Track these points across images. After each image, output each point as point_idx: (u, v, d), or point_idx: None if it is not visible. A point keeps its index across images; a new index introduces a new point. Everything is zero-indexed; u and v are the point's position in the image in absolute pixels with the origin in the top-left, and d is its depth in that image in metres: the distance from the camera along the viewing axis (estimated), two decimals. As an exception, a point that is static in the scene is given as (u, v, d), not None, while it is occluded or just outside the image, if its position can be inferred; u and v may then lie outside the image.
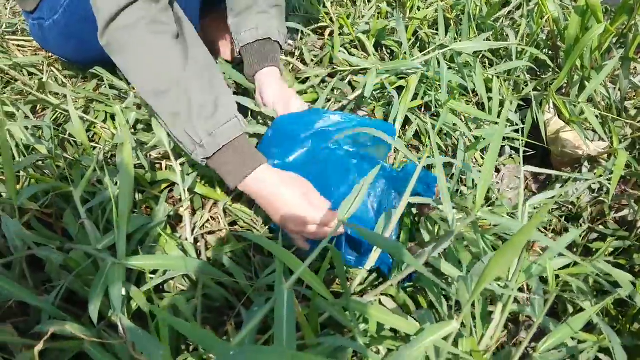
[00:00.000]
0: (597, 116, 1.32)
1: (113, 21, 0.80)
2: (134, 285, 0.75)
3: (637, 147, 1.41)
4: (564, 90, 1.47)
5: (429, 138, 1.26)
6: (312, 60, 1.42)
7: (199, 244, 0.95)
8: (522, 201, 0.84)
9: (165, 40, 0.82)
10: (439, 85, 1.30)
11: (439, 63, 1.25)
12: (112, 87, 1.21)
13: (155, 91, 0.83)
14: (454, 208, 1.10)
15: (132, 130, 1.10)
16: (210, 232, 0.99)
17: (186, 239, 0.91)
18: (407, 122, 1.26)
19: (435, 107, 1.26)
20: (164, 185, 1.05)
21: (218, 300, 0.85)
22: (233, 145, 0.86)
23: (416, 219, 1.04)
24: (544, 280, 0.97)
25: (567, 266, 0.96)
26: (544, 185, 1.43)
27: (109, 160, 1.06)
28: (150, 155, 1.08)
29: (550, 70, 1.51)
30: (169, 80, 0.82)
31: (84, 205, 0.80)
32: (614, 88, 1.46)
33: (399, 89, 1.23)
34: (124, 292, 0.71)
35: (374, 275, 0.98)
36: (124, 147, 0.75)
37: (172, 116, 0.84)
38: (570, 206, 1.33)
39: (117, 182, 0.91)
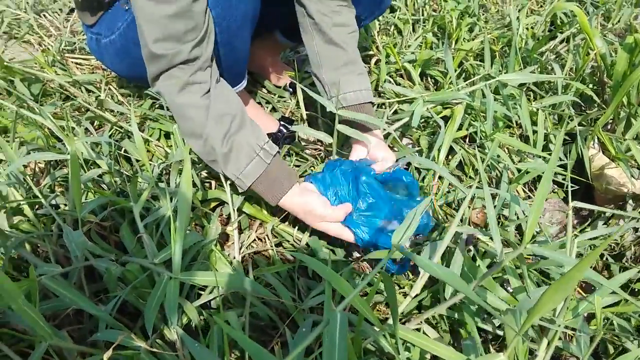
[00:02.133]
0: (643, 154, 1.31)
1: (156, 80, 0.93)
2: (185, 300, 0.78)
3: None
4: (609, 127, 1.47)
5: (473, 169, 1.27)
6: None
7: (245, 263, 0.97)
8: (570, 236, 0.85)
9: (193, 99, 0.93)
10: (484, 116, 1.31)
11: (484, 94, 1.27)
12: (166, 107, 1.26)
13: (189, 137, 0.96)
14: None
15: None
16: (257, 252, 1.02)
17: (234, 258, 0.94)
18: (451, 152, 1.27)
19: (480, 138, 1.27)
20: (213, 204, 1.08)
21: (263, 319, 0.87)
22: (260, 179, 0.97)
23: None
24: (587, 319, 0.96)
25: (610, 305, 0.96)
26: (585, 222, 1.41)
27: (162, 178, 1.10)
28: (200, 174, 1.12)
29: (596, 105, 1.50)
30: (197, 132, 0.94)
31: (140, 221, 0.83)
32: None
33: (444, 119, 1.25)
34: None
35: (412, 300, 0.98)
36: (184, 165, 0.78)
37: (209, 161, 0.98)
38: (612, 244, 1.31)
39: (171, 199, 0.94)
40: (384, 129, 1.26)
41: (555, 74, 1.46)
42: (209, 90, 0.94)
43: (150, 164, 1.11)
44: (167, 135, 1.23)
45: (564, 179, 1.34)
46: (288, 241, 1.05)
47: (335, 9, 1.11)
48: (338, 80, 1.13)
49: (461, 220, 1.08)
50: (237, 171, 0.96)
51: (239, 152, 0.95)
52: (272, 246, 1.02)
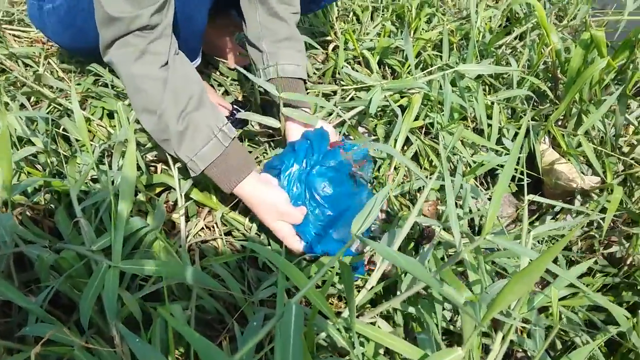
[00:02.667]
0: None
1: (109, 48, 0.87)
2: (125, 290, 0.72)
3: (629, 184, 1.42)
4: (560, 123, 1.48)
5: (428, 160, 1.26)
6: (314, 73, 1.41)
7: (192, 252, 0.92)
8: (525, 229, 0.84)
9: (150, 70, 0.87)
10: (440, 107, 1.30)
11: (440, 86, 1.25)
12: (110, 86, 1.18)
13: (142, 112, 0.90)
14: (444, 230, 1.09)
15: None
16: (204, 241, 0.97)
17: (180, 247, 0.88)
18: (406, 142, 1.25)
19: (436, 129, 1.25)
20: (158, 189, 1.02)
21: (210, 313, 0.82)
22: (216, 162, 0.92)
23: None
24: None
25: (562, 299, 0.96)
26: (534, 216, 1.43)
27: (103, 160, 1.03)
28: (146, 157, 1.06)
29: (549, 101, 1.52)
30: (151, 107, 0.88)
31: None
32: (609, 124, 1.47)
33: (401, 108, 1.22)
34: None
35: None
36: (128, 145, 0.72)
37: (161, 140, 0.91)
38: (559, 239, 1.33)
39: (113, 182, 0.88)
40: (339, 116, 1.23)
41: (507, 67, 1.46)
42: (166, 63, 0.88)
43: (91, 145, 1.03)
44: (111, 115, 1.15)
45: (515, 173, 1.34)
46: (238, 230, 1.01)
47: None
48: (277, 51, 1.10)
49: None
50: (191, 152, 0.90)
51: (195, 132, 0.90)
52: (220, 235, 0.96)
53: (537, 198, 0.94)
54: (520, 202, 1.45)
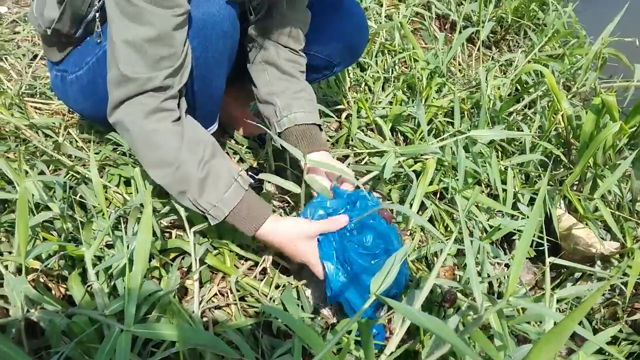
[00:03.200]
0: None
1: (117, 107, 0.88)
2: (137, 356, 0.70)
3: (650, 248, 1.39)
4: (575, 187, 1.48)
5: (443, 225, 1.25)
6: (328, 141, 1.43)
7: (205, 318, 0.90)
8: (548, 291, 0.81)
9: (164, 125, 0.88)
10: (454, 172, 1.30)
11: (453, 152, 1.26)
12: (128, 154, 1.20)
13: (157, 167, 0.90)
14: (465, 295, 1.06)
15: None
16: (218, 307, 0.95)
17: (193, 312, 0.86)
18: (421, 207, 1.25)
19: (451, 194, 1.25)
20: (172, 254, 1.01)
21: (223, 380, 0.79)
22: (239, 207, 0.92)
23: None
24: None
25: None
26: (554, 283, 1.39)
27: (119, 226, 1.03)
28: (161, 223, 1.06)
29: (562, 166, 1.52)
30: (168, 160, 0.88)
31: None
32: (625, 188, 1.46)
33: (415, 174, 1.23)
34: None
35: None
36: (144, 208, 0.72)
37: (177, 192, 0.91)
38: (576, 304, 1.28)
39: (128, 246, 0.87)
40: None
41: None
42: (179, 118, 0.90)
43: (107, 211, 1.04)
44: (128, 182, 1.17)
45: (532, 238, 1.32)
46: (252, 295, 0.98)
47: (288, 51, 1.14)
48: (290, 103, 1.12)
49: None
50: (215, 199, 0.90)
51: (217, 178, 0.90)
52: (235, 300, 0.94)
53: (558, 261, 0.92)
54: (539, 269, 1.42)
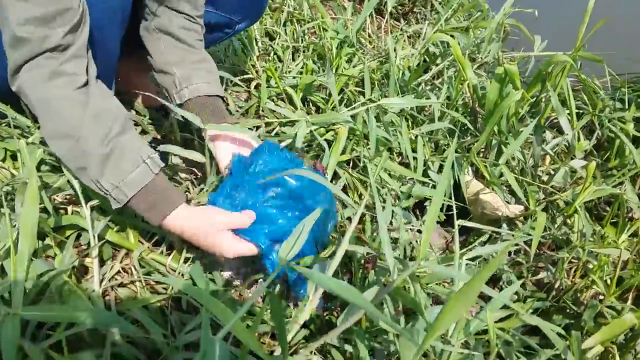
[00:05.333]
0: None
1: (17, 72, 0.79)
2: (28, 341, 0.62)
3: (550, 211, 1.46)
4: (481, 154, 1.52)
5: (357, 193, 1.24)
6: (237, 111, 1.37)
7: (107, 297, 0.83)
8: (457, 253, 0.82)
9: (64, 91, 0.80)
10: (366, 141, 1.29)
11: (364, 121, 1.25)
12: (13, 126, 1.08)
13: (55, 137, 0.82)
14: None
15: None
16: (122, 285, 0.88)
17: (93, 291, 0.79)
18: (335, 176, 1.23)
19: (363, 162, 1.24)
20: (68, 232, 0.92)
21: (127, 362, 0.73)
22: (145, 191, 0.84)
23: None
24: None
25: (496, 322, 0.94)
26: (462, 246, 1.43)
27: (3, 205, 0.92)
28: (54, 199, 0.96)
29: (469, 134, 1.56)
30: (66, 131, 0.80)
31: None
32: (527, 154, 1.53)
33: (327, 143, 1.20)
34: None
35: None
36: (29, 182, 0.64)
37: (77, 168, 0.83)
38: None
39: (15, 225, 0.78)
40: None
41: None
42: (85, 84, 0.81)
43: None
44: (14, 157, 1.05)
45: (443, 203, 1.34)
46: (158, 271, 0.92)
47: (183, 19, 1.06)
48: (190, 74, 1.05)
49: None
50: (117, 179, 0.81)
51: (122, 156, 0.82)
52: (139, 277, 0.88)
53: (466, 223, 0.93)
54: (450, 234, 1.46)
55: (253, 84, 1.46)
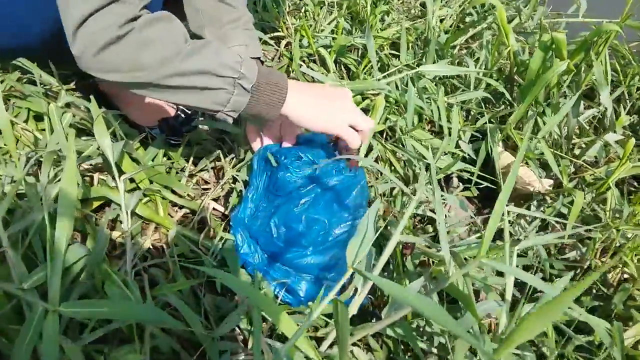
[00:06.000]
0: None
1: (82, 26, 0.68)
2: (66, 338, 0.60)
3: (580, 186, 1.42)
4: (514, 125, 1.46)
5: (390, 165, 1.20)
6: (265, 71, 1.30)
7: (138, 278, 0.80)
8: (508, 246, 0.79)
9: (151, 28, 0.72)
10: (399, 109, 1.24)
11: (397, 86, 1.19)
12: (39, 83, 1.02)
13: (163, 67, 0.73)
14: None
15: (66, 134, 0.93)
16: (152, 265, 0.85)
17: (126, 272, 0.76)
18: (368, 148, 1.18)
19: (399, 133, 1.19)
20: (95, 204, 0.89)
21: (164, 353, 0.71)
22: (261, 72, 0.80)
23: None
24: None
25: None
26: (486, 220, 1.40)
27: (30, 171, 0.88)
28: (80, 166, 0.92)
29: (502, 102, 1.50)
30: (172, 51, 0.73)
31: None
32: (561, 125, 1.47)
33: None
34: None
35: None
36: (68, 160, 0.60)
37: (198, 75, 0.74)
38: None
39: (41, 199, 0.75)
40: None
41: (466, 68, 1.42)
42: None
43: (17, 153, 0.89)
44: (38, 117, 1.01)
45: (471, 176, 1.29)
46: (191, 250, 0.89)
47: None
48: (224, 35, 1.00)
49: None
50: (235, 58, 0.77)
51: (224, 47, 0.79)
52: (172, 256, 0.85)
53: (515, 209, 0.90)
54: (474, 206, 1.42)
55: (283, 42, 1.38)
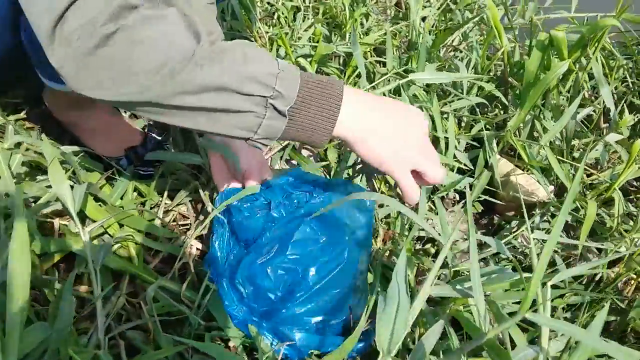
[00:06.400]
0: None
1: (61, 21, 0.50)
2: None
3: (581, 191, 1.34)
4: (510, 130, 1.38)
5: (385, 183, 1.09)
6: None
7: (114, 348, 0.67)
8: (548, 302, 0.68)
9: (150, 24, 0.54)
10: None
11: (384, 94, 1.09)
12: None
13: (163, 78, 0.54)
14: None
15: (15, 181, 0.78)
16: (128, 323, 0.71)
17: (100, 348, 0.63)
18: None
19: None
20: (57, 257, 0.75)
21: None
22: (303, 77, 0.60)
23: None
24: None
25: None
26: (488, 231, 1.31)
27: None
28: (36, 215, 0.78)
29: (496, 107, 1.41)
30: (184, 58, 0.54)
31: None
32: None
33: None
34: None
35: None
36: (16, 227, 0.47)
37: (215, 92, 0.56)
38: (520, 256, 1.21)
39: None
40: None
41: (459, 73, 1.32)
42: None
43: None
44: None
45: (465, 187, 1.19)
46: (172, 303, 0.76)
47: None
48: None
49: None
50: (274, 67, 0.57)
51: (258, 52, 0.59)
52: (152, 315, 0.72)
53: (545, 236, 0.79)
54: (476, 216, 1.32)
55: (258, 53, 1.26)
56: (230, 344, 0.78)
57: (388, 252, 1.00)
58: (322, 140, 0.62)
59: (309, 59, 1.19)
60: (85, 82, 0.54)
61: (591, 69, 1.27)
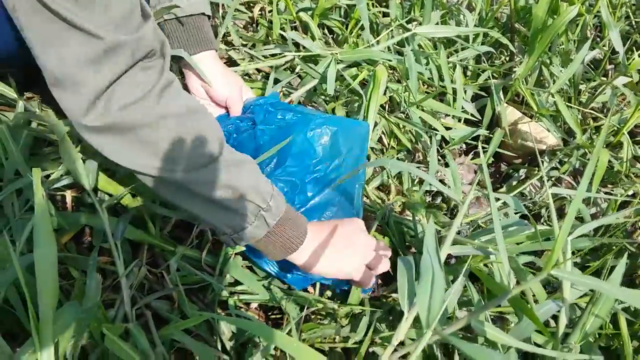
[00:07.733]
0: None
1: (99, 99, 0.53)
2: None
3: (590, 137, 1.33)
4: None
5: (395, 138, 1.08)
6: (242, 45, 1.15)
7: (143, 318, 0.68)
8: (570, 265, 0.68)
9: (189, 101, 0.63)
10: (394, 73, 1.11)
11: (388, 48, 1.06)
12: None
13: (192, 168, 0.61)
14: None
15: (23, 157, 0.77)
16: (154, 294, 0.72)
17: (128, 321, 0.63)
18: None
19: (402, 104, 1.06)
20: (73, 232, 0.75)
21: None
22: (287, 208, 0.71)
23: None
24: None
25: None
26: (496, 180, 1.30)
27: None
28: (47, 189, 0.78)
29: (502, 54, 1.38)
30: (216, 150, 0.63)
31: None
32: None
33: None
34: None
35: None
36: (36, 210, 0.47)
37: (223, 189, 0.63)
38: (529, 204, 1.21)
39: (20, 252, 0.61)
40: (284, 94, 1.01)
41: (465, 20, 1.29)
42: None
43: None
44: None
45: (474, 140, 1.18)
46: (193, 270, 0.76)
47: None
48: None
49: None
50: (272, 188, 0.68)
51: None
52: (175, 284, 0.72)
53: (559, 189, 0.79)
54: (478, 166, 1.31)
55: (257, 8, 1.22)
56: (252, 305, 0.80)
57: (401, 205, 1.00)
58: (276, 258, 0.71)
59: (309, 12, 1.15)
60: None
61: (598, 11, 1.24)
